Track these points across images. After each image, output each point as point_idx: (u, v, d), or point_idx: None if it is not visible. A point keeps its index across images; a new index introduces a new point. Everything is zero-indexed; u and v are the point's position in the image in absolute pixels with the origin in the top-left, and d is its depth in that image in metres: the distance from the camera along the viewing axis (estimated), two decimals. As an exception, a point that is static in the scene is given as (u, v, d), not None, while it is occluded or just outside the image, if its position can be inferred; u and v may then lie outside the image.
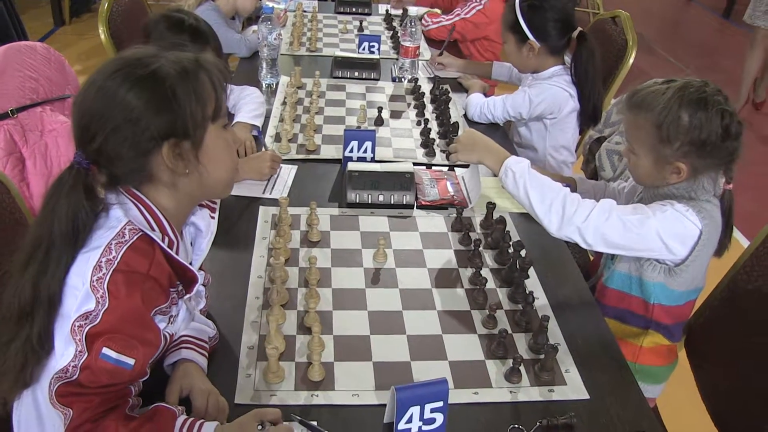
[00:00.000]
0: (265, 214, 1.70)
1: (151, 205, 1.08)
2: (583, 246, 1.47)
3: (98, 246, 1.00)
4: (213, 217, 1.25)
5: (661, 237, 1.42)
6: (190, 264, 1.19)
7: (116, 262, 0.99)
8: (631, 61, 2.55)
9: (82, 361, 0.98)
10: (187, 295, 1.17)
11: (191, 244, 1.23)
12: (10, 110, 1.99)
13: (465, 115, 2.35)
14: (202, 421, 1.05)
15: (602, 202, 1.46)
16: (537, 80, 2.25)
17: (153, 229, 1.06)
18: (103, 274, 0.98)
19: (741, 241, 3.46)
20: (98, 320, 0.97)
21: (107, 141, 1.00)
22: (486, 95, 2.40)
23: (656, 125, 1.44)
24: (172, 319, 1.17)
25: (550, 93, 2.18)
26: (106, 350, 0.98)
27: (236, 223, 1.67)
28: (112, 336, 0.98)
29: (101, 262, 0.99)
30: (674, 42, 6.61)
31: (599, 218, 1.43)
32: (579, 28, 2.16)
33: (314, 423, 1.13)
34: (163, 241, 1.06)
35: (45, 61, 2.14)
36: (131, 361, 1.00)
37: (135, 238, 1.02)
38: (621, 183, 1.85)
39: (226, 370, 1.24)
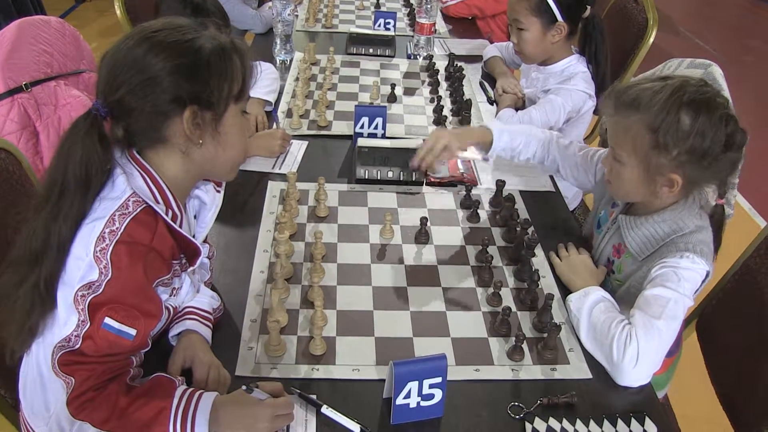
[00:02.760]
0: (273, 188, 1.70)
1: (157, 176, 1.08)
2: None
3: (102, 217, 1.00)
4: (219, 191, 1.25)
5: (689, 303, 1.29)
6: (193, 237, 1.19)
7: (119, 234, 0.99)
8: (651, 40, 2.49)
9: (84, 331, 0.99)
10: (191, 268, 1.17)
11: (195, 217, 1.24)
12: (24, 84, 2.00)
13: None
14: (201, 391, 1.06)
15: (638, 328, 1.23)
16: (548, 75, 2.13)
17: (157, 202, 1.07)
18: (106, 245, 0.99)
19: (758, 221, 3.40)
20: (101, 290, 0.98)
21: (131, 93, 1.01)
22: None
23: (651, 129, 1.26)
24: (174, 292, 1.17)
25: (573, 98, 2.04)
26: (108, 320, 0.99)
27: (245, 197, 1.67)
28: (114, 306, 0.99)
29: (105, 233, 0.99)
30: (701, 22, 6.46)
31: (648, 349, 1.22)
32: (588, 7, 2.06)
33: (313, 396, 1.13)
34: (166, 213, 1.07)
35: (59, 36, 2.15)
36: (133, 332, 1.02)
37: (139, 210, 1.02)
38: (581, 146, 1.70)
39: (229, 342, 1.24)
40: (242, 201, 1.66)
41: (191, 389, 1.06)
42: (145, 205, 1.03)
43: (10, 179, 1.41)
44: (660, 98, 1.25)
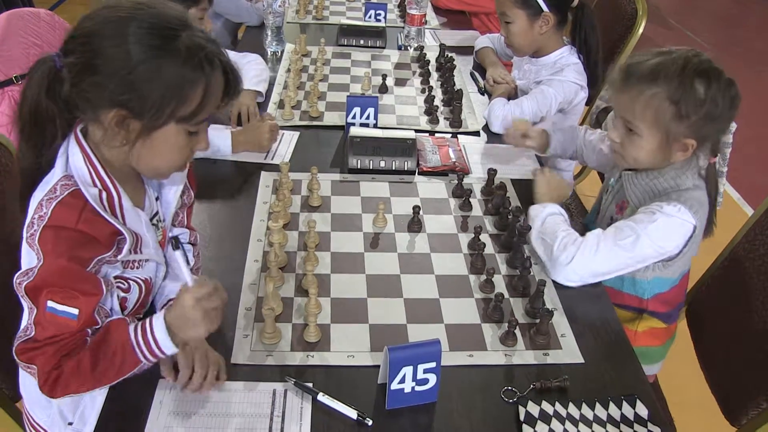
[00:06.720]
0: (266, 179, 1.71)
1: (92, 156, 1.06)
2: (581, 284, 1.42)
3: (34, 203, 1.03)
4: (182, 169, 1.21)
5: (656, 248, 1.38)
6: (155, 218, 1.20)
7: (46, 219, 1.01)
8: (641, 31, 2.50)
9: (33, 317, 1.01)
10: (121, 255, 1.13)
11: (156, 198, 1.23)
12: (15, 77, 1.99)
13: (485, 127, 2.07)
14: (150, 317, 1.05)
15: (588, 237, 1.40)
16: (541, 66, 2.15)
17: (93, 183, 1.06)
18: (35, 231, 1.00)
19: (746, 210, 3.43)
20: (34, 275, 1.00)
21: (83, 70, 0.99)
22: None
23: (673, 100, 1.34)
24: (139, 264, 1.17)
25: (564, 89, 2.05)
26: (50, 303, 1.00)
27: (238, 187, 1.68)
28: (51, 289, 1.00)
29: (34, 218, 1.01)
30: (690, 13, 6.49)
31: (585, 255, 1.38)
32: None
33: (309, 385, 1.14)
34: (101, 195, 1.06)
35: (49, 28, 2.14)
36: (75, 311, 1.02)
37: (66, 193, 1.02)
38: (591, 133, 1.80)
39: (225, 330, 1.24)
40: (235, 191, 1.67)
41: (143, 321, 1.05)
42: (73, 188, 1.03)
43: (4, 171, 1.41)
44: (674, 70, 1.34)
